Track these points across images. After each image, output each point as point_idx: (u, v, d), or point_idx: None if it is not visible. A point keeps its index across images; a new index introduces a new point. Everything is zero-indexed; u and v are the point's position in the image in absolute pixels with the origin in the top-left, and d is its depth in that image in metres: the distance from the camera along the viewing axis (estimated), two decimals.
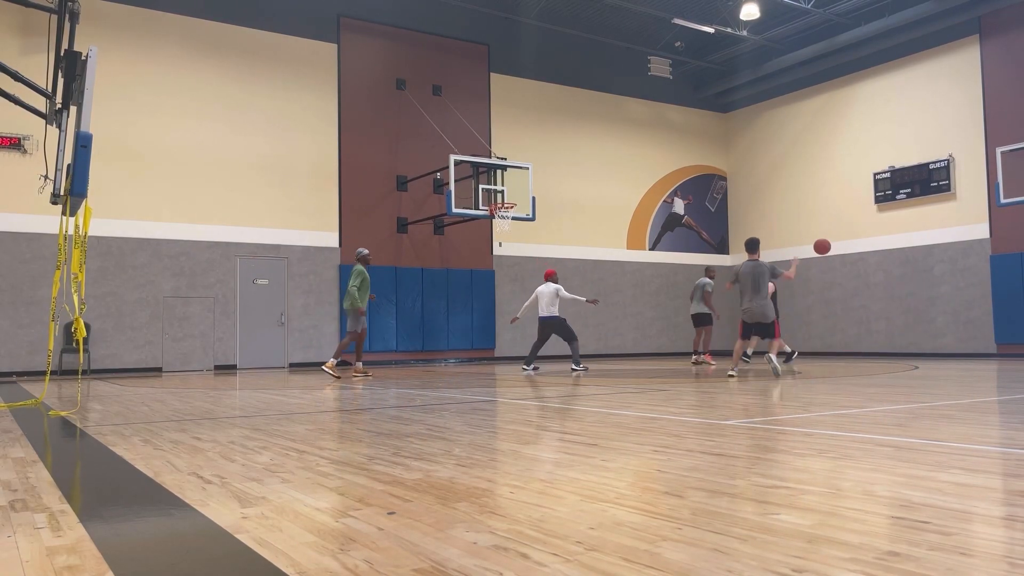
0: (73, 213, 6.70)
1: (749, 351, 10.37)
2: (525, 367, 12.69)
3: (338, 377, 11.55)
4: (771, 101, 21.60)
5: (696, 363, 14.45)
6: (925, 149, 17.99)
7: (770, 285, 10.29)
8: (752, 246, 10.20)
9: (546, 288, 12.54)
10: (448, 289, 17.93)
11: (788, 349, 15.30)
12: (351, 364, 15.78)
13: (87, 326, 13.84)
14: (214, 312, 15.57)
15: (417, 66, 18.11)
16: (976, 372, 10.37)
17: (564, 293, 12.53)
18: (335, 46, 17.17)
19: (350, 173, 17.11)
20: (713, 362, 14.55)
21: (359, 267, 11.85)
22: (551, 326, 12.46)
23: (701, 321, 14.33)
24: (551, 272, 12.84)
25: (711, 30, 18.85)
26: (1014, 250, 16.41)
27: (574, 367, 12.53)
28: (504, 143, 18.98)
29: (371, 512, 2.51)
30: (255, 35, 16.33)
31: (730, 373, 10.01)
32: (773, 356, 9.90)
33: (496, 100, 19.13)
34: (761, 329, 10.11)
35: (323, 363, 16.49)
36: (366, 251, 12.05)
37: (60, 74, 7.28)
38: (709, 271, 14.64)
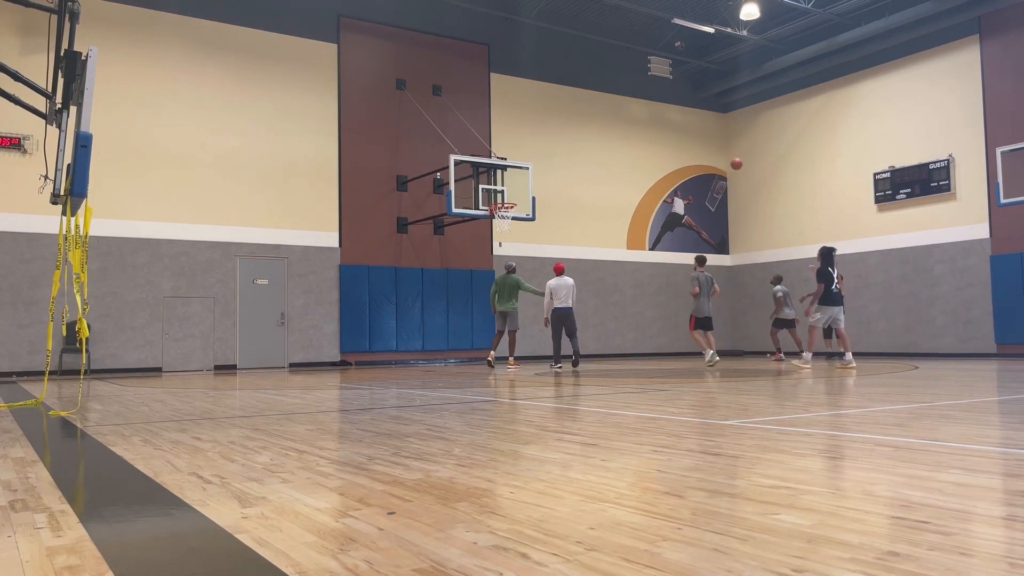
0: (74, 213, 6.70)
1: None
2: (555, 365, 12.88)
3: (493, 366, 14.05)
4: (771, 101, 21.59)
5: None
6: (925, 149, 17.99)
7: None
8: (702, 260, 13.56)
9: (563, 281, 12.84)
10: (448, 289, 17.93)
11: (778, 348, 15.47)
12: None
13: (88, 326, 13.83)
14: (214, 312, 15.57)
15: (417, 66, 18.11)
16: (976, 372, 10.37)
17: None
18: (335, 46, 17.17)
19: (350, 173, 17.10)
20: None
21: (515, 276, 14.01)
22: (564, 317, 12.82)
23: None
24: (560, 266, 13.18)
25: (711, 30, 18.85)
26: (1014, 250, 16.40)
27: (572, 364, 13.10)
28: (504, 143, 18.98)
29: (371, 512, 2.51)
30: (255, 35, 16.33)
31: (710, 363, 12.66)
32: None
33: (496, 100, 19.13)
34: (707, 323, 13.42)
35: (324, 363, 16.51)
36: (513, 263, 14.36)
37: (60, 74, 7.28)
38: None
